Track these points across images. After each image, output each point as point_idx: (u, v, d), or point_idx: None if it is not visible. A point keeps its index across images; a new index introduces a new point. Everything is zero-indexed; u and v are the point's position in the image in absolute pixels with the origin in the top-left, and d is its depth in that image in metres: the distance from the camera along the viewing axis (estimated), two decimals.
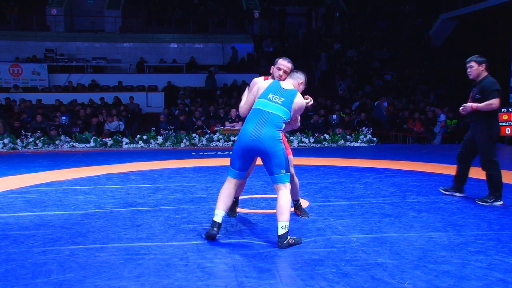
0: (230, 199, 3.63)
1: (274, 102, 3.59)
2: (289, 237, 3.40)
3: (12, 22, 19.50)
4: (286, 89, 3.67)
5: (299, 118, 3.86)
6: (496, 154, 4.91)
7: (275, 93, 3.64)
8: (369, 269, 2.88)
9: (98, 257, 3.16)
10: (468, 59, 5.01)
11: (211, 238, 3.53)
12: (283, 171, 3.50)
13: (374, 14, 21.89)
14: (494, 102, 4.74)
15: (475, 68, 4.93)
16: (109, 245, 3.44)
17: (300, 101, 3.69)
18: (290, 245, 3.38)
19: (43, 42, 18.26)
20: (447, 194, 5.30)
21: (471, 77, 4.99)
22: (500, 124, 11.79)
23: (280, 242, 3.38)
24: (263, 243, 3.49)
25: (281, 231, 3.38)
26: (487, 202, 4.89)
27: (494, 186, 4.92)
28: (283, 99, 3.61)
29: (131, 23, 20.19)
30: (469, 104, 4.92)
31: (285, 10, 21.12)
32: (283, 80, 3.82)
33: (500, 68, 17.59)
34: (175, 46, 19.33)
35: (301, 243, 3.46)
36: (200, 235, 3.68)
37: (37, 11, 19.94)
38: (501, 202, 4.89)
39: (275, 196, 5.02)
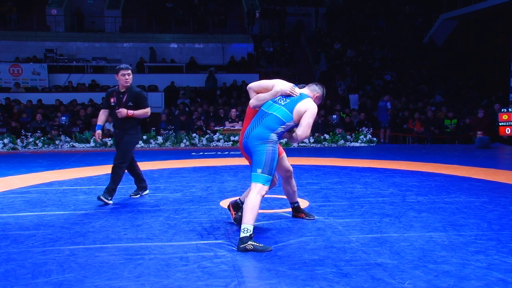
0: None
1: (277, 103, 3.53)
2: (250, 242, 3.22)
3: (12, 22, 19.50)
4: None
5: (300, 132, 3.47)
6: (130, 155, 5.18)
7: (284, 95, 3.57)
8: (369, 269, 2.88)
9: (98, 257, 3.16)
10: (124, 66, 5.16)
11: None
12: (259, 170, 3.37)
13: (374, 14, 21.88)
14: (149, 110, 5.24)
15: (132, 77, 5.19)
16: (109, 245, 3.44)
17: (305, 105, 3.46)
18: (247, 250, 3.20)
19: (43, 42, 18.26)
20: (136, 197, 5.33)
21: (127, 84, 5.12)
22: (500, 124, 11.94)
23: (237, 245, 3.28)
24: (263, 243, 3.48)
25: (241, 234, 3.26)
26: (105, 199, 4.93)
27: (114, 182, 5.03)
28: (288, 101, 3.51)
29: (131, 23, 20.18)
30: (125, 110, 5.05)
31: (285, 10, 21.12)
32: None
33: (500, 68, 17.61)
34: (175, 46, 19.31)
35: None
36: (200, 235, 3.68)
37: (37, 11, 19.95)
38: (111, 202, 4.98)
39: (275, 196, 5.03)
